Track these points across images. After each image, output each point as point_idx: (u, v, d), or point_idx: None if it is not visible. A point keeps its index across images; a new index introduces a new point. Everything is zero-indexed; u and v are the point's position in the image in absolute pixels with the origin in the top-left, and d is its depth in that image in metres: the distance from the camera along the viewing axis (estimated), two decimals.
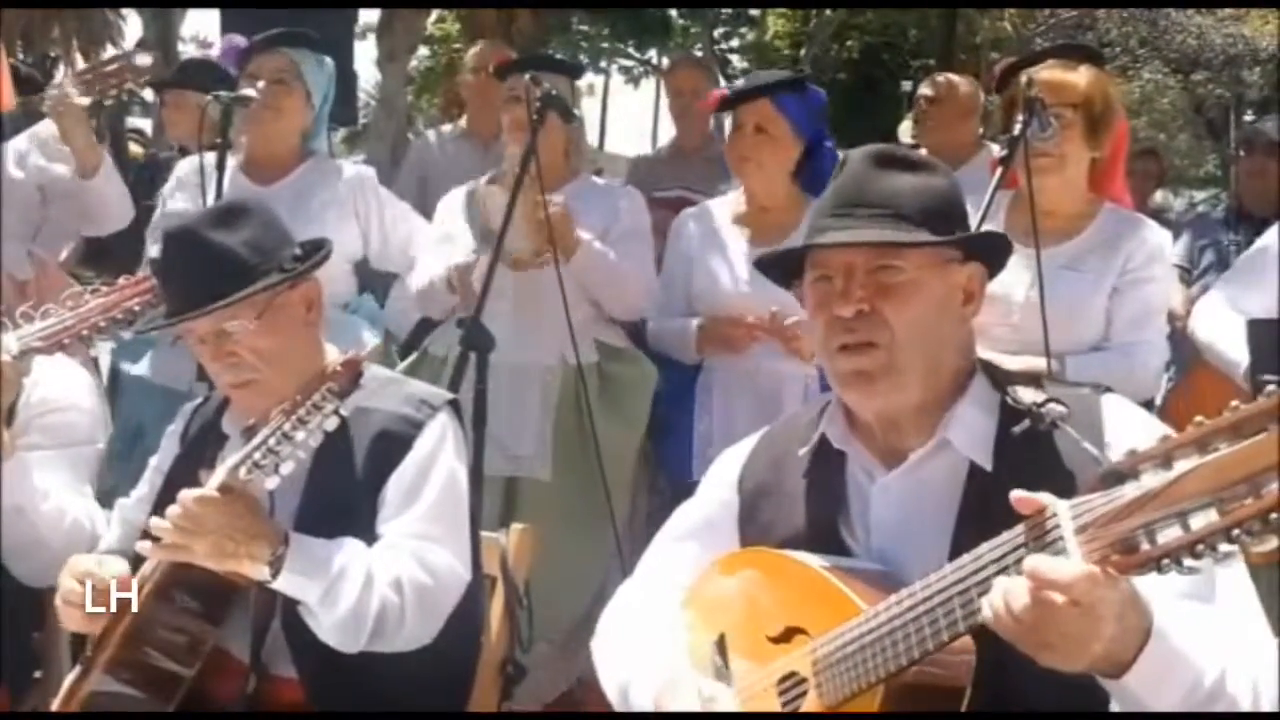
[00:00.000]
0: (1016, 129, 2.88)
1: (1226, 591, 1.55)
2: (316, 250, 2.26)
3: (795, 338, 3.29)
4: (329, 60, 3.69)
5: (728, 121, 3.72)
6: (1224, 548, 1.22)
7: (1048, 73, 2.99)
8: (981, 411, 1.71)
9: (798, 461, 1.84)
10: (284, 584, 1.99)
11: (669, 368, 3.62)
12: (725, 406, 3.49)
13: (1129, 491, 1.30)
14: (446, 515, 2.16)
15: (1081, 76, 3.00)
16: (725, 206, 3.63)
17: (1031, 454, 1.63)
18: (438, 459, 2.17)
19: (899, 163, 1.76)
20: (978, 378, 1.75)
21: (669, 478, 3.59)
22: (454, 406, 2.28)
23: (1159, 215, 6.31)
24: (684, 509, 2.02)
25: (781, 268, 1.85)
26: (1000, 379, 1.75)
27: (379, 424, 2.17)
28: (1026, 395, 1.67)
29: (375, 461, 2.15)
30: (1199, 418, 1.25)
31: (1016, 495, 1.41)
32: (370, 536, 2.12)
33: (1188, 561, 1.24)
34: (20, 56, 15.19)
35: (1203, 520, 1.23)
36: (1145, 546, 1.28)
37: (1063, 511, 1.36)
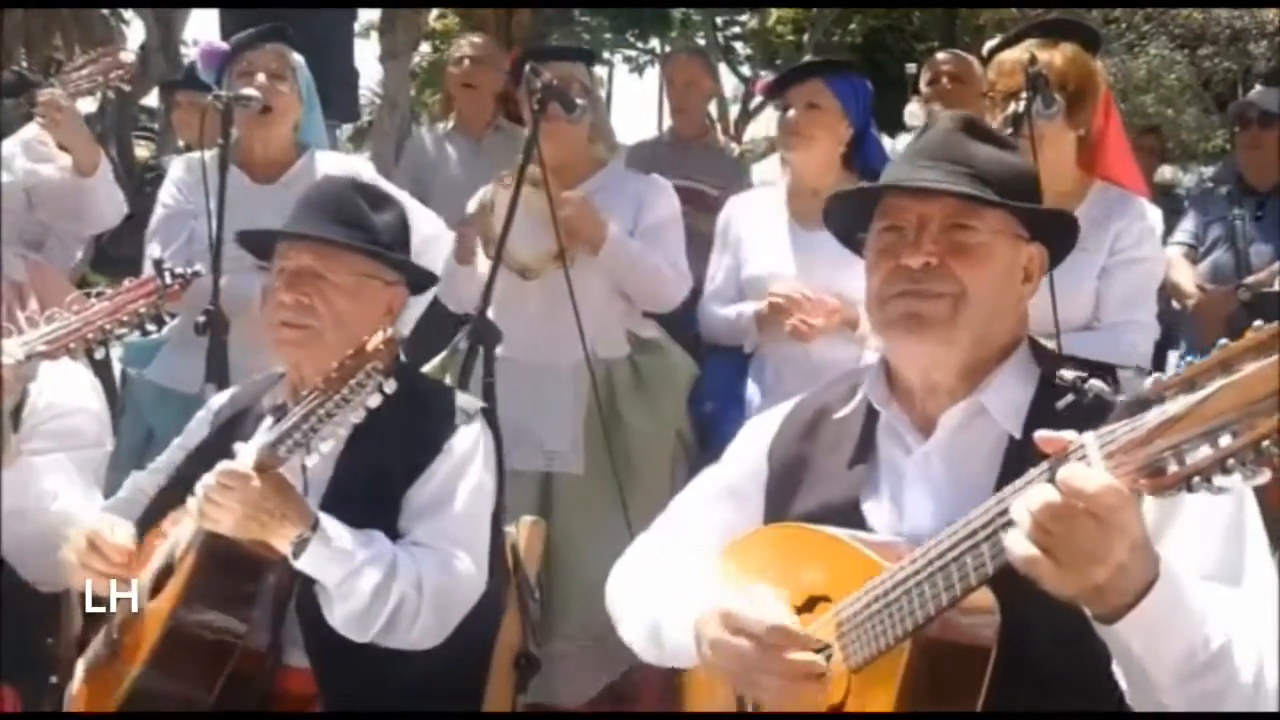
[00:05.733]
0: (1019, 106, 2.87)
1: (1253, 577, 1.55)
2: (427, 275, 2.47)
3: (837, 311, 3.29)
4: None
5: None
6: (1254, 465, 1.22)
7: (1022, 51, 2.95)
8: (1019, 381, 1.73)
9: (831, 432, 1.85)
10: (305, 565, 2.02)
11: (718, 357, 3.62)
12: (775, 391, 3.47)
13: (1153, 417, 1.30)
14: (472, 521, 2.19)
15: (1059, 55, 2.97)
16: (774, 192, 3.64)
17: (1069, 427, 1.61)
18: (469, 466, 2.21)
19: (984, 133, 1.80)
20: (1021, 350, 1.76)
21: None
22: (487, 415, 2.31)
23: (1168, 191, 6.28)
24: (709, 474, 2.02)
25: (847, 214, 1.86)
26: (1045, 356, 1.77)
27: (413, 424, 2.19)
28: (1069, 372, 1.66)
29: (406, 460, 2.18)
30: (1222, 340, 1.26)
31: (1041, 435, 1.40)
32: (392, 530, 2.14)
33: (1218, 479, 1.24)
34: (23, 63, 15.20)
35: (1230, 438, 1.23)
36: (1174, 468, 1.28)
37: (1090, 440, 1.36)
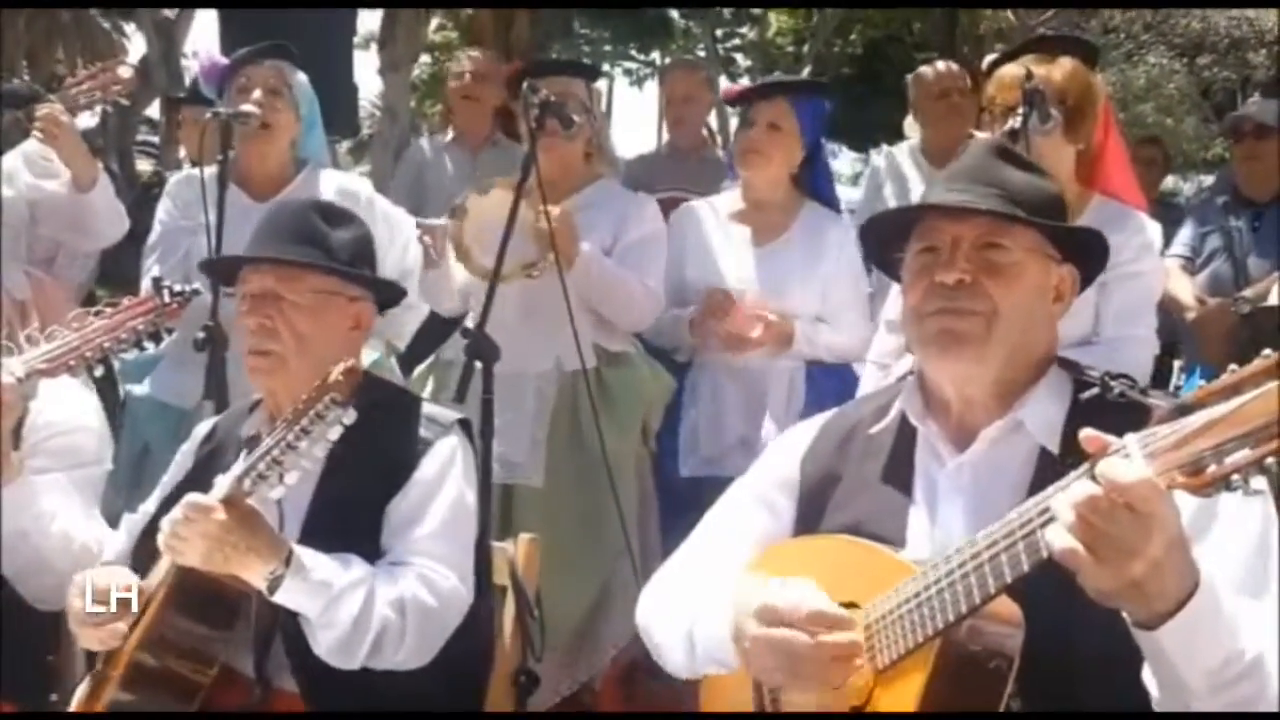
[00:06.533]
0: (1017, 121, 2.87)
1: (1276, 591, 1.57)
2: (394, 289, 2.43)
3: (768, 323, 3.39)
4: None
5: (732, 123, 3.79)
6: None
7: (1020, 66, 2.96)
8: (1054, 398, 1.76)
9: (866, 446, 1.87)
10: (283, 599, 2.01)
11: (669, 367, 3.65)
12: (712, 400, 3.56)
13: (1195, 420, 1.33)
14: (452, 535, 2.18)
15: (1058, 69, 2.97)
16: (723, 203, 3.69)
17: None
18: (446, 479, 2.19)
19: (1017, 160, 1.86)
20: (1054, 368, 1.80)
21: (661, 474, 3.62)
22: (464, 426, 2.30)
23: (1169, 200, 6.28)
24: (739, 486, 2.03)
25: (884, 236, 1.91)
26: (1074, 368, 1.81)
27: (388, 441, 2.19)
28: (1095, 372, 1.74)
29: (383, 478, 2.17)
30: (1267, 351, 1.30)
31: (1086, 433, 1.43)
32: (375, 551, 2.13)
33: (1255, 481, 1.28)
34: (25, 77, 15.23)
35: (1270, 440, 1.26)
36: (1213, 468, 1.31)
37: (1132, 441, 1.39)
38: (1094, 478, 1.38)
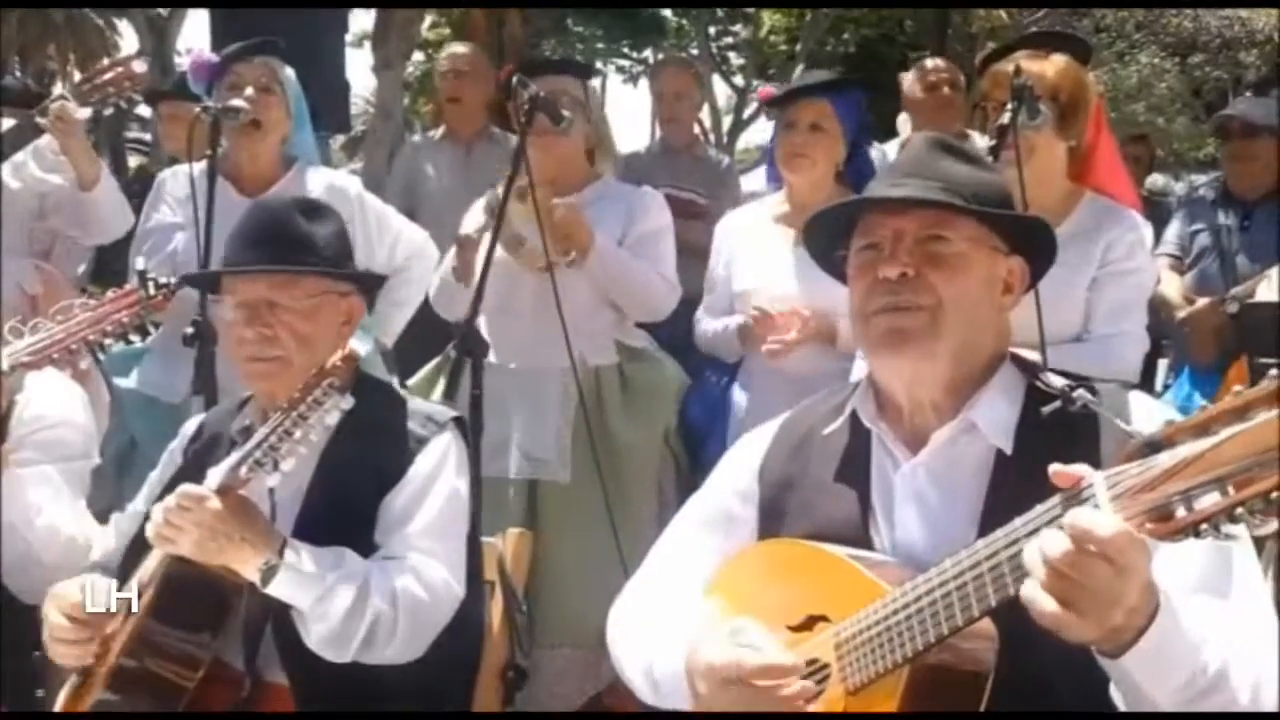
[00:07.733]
0: (1006, 117, 2.87)
1: (1240, 587, 1.55)
2: (377, 280, 2.41)
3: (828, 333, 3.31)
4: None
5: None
6: (1261, 514, 1.22)
7: (1012, 63, 2.94)
8: (1007, 397, 1.73)
9: (822, 449, 1.85)
10: (276, 591, 2.00)
11: (712, 369, 3.62)
12: (763, 406, 3.47)
13: (1164, 460, 1.29)
14: (445, 531, 2.17)
15: (1050, 66, 2.97)
16: (767, 207, 3.63)
17: (1057, 442, 1.61)
18: (439, 476, 2.19)
19: (958, 152, 1.82)
20: (1006, 365, 1.77)
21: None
22: (459, 424, 2.30)
23: (1160, 199, 6.29)
24: (697, 501, 2.02)
25: (827, 235, 1.87)
26: (1029, 368, 1.77)
27: (384, 438, 2.19)
28: (1056, 380, 1.69)
29: (378, 475, 2.17)
30: (1237, 387, 1.25)
31: (1054, 469, 1.40)
32: (369, 547, 2.13)
33: (1225, 528, 1.24)
34: (18, 74, 15.21)
35: (1241, 485, 1.22)
36: (1181, 513, 1.27)
37: (1098, 481, 1.36)
38: (1063, 525, 1.34)
